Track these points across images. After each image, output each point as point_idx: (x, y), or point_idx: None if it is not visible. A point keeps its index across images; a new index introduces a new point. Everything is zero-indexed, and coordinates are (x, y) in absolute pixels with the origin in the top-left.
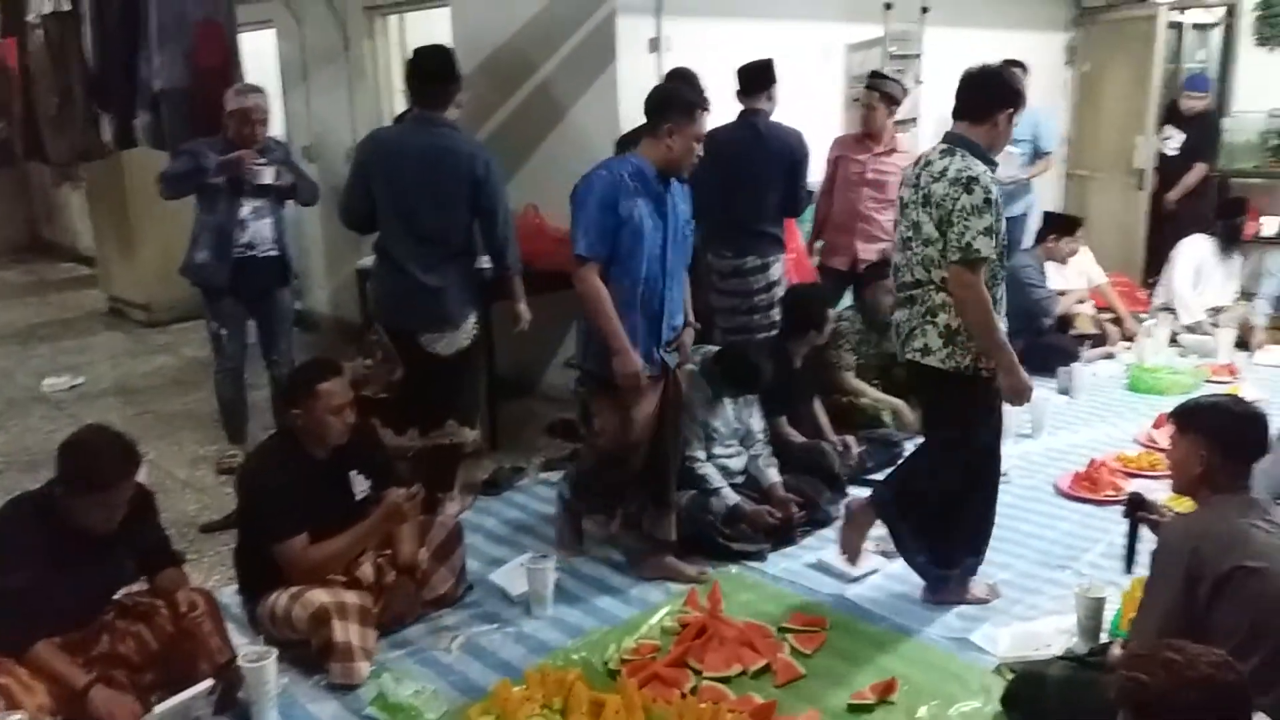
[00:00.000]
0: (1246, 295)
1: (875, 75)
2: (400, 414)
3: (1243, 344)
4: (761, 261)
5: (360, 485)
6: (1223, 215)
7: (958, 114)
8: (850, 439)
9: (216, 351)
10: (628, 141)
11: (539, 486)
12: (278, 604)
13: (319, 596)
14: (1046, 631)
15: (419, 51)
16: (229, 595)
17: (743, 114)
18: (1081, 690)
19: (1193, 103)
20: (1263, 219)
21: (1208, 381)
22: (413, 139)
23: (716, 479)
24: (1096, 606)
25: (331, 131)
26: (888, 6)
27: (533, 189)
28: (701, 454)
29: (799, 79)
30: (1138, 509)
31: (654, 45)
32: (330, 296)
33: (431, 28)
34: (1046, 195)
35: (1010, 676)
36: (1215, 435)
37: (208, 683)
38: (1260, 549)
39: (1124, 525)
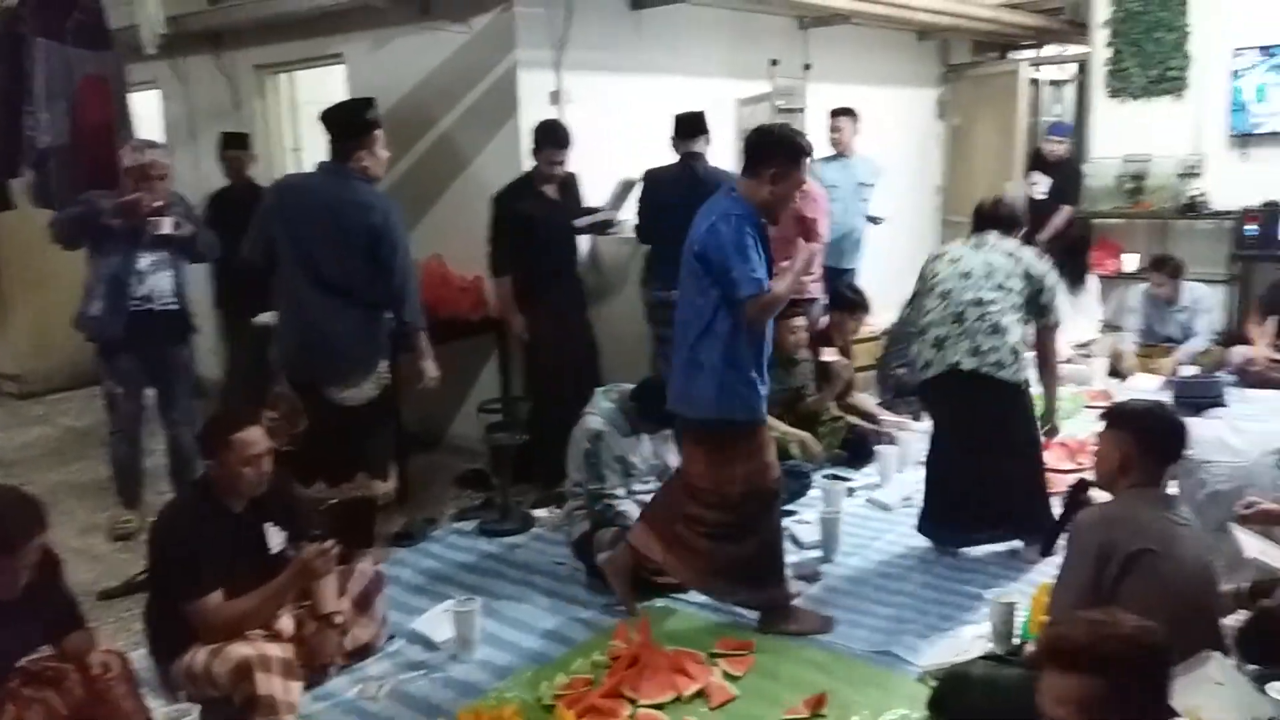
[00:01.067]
0: (1114, 327)
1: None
2: (306, 466)
3: (1115, 372)
4: None
5: (276, 538)
6: (1065, 257)
7: None
8: None
9: (111, 412)
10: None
11: (453, 536)
12: (195, 661)
13: (240, 650)
14: (964, 639)
15: (331, 109)
16: (139, 659)
17: (683, 158)
18: (1003, 686)
19: (1054, 147)
20: (1124, 256)
21: (1086, 406)
22: (318, 187)
23: (635, 515)
24: (1008, 612)
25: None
26: (773, 63)
27: (437, 239)
28: (621, 490)
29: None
30: (1083, 491)
31: (555, 98)
32: (223, 361)
33: (324, 86)
34: (926, 240)
35: (933, 684)
36: (1138, 433)
37: None
38: (1167, 536)
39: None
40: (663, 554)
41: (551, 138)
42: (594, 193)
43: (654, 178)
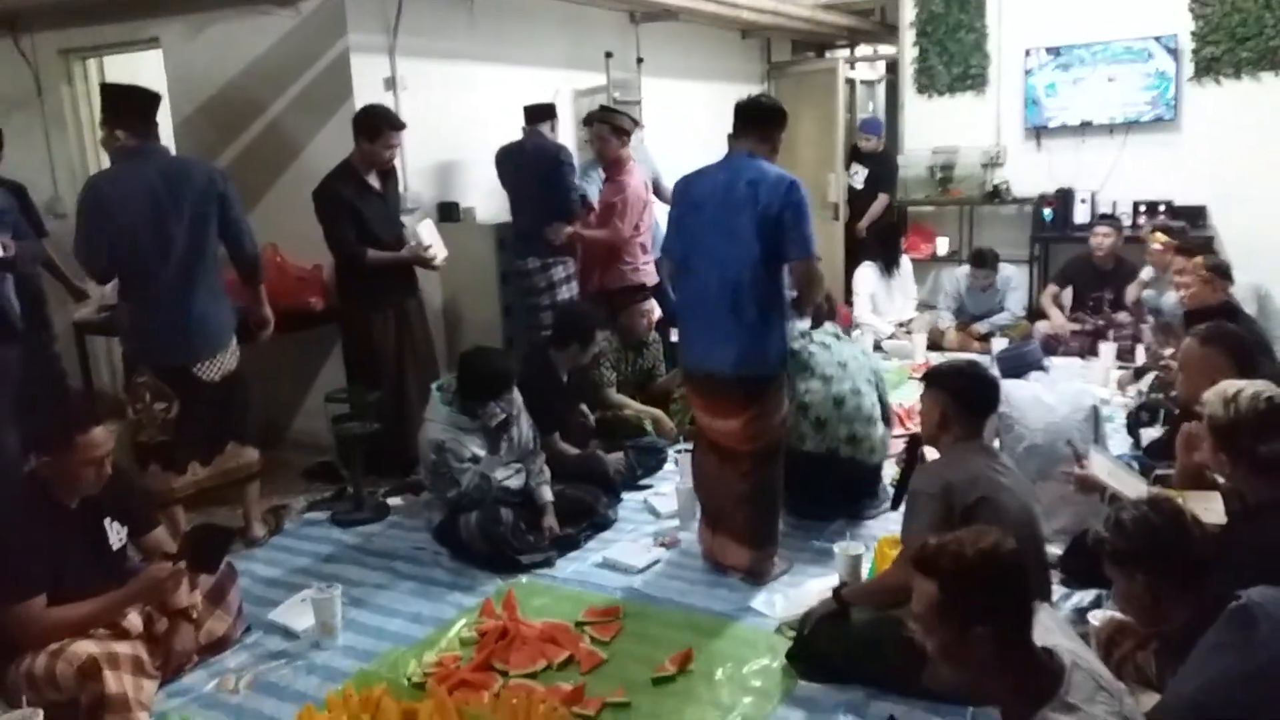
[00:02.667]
0: (929, 306)
1: (604, 109)
2: (178, 453)
3: (934, 345)
4: (540, 263)
5: (116, 534)
6: (881, 242)
7: None
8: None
9: None
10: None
11: (306, 528)
12: (36, 664)
13: (86, 648)
14: (814, 590)
15: (105, 89)
16: None
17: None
18: (848, 631)
19: (867, 143)
20: (937, 240)
21: (910, 378)
22: (142, 171)
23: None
24: (855, 561)
25: (29, 183)
26: (608, 55)
27: (271, 229)
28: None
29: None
30: (916, 447)
31: (390, 84)
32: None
33: (136, 71)
34: None
35: (790, 634)
36: (954, 392)
37: None
38: (995, 485)
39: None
40: (710, 544)
41: (390, 120)
42: (422, 181)
43: (501, 152)
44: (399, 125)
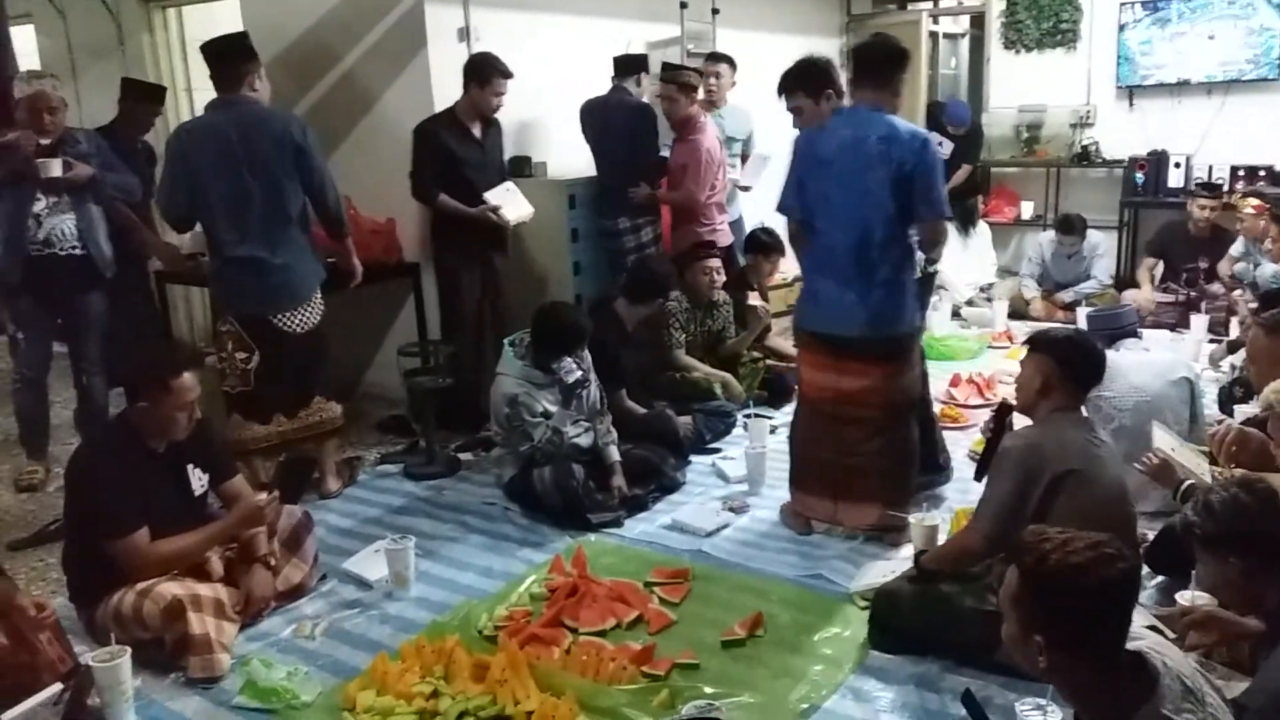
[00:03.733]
0: (1010, 272)
1: (666, 67)
2: (262, 404)
3: (1015, 314)
4: (631, 224)
5: (198, 480)
6: (952, 198)
7: None
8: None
9: (14, 359)
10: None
11: (379, 480)
12: (124, 602)
13: (171, 589)
14: (890, 561)
15: (209, 41)
16: (60, 606)
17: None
18: (930, 600)
19: (955, 130)
20: (1022, 203)
21: (990, 347)
22: (224, 122)
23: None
24: (932, 533)
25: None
26: (683, 5)
27: (345, 181)
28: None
29: (603, 74)
30: (1006, 414)
31: (463, 35)
32: None
33: (215, 21)
34: None
35: (863, 604)
36: (1058, 358)
37: (54, 688)
38: (1089, 456)
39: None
40: (832, 510)
41: (500, 68)
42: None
43: (586, 108)
44: (508, 74)
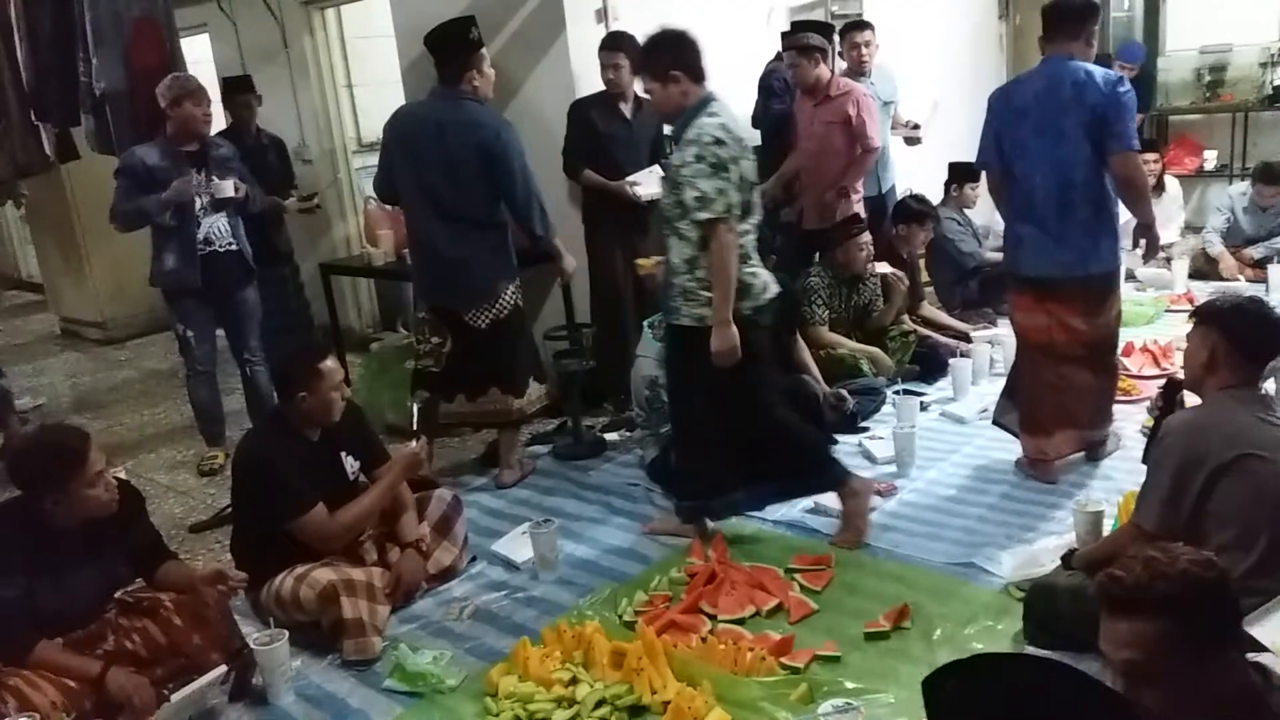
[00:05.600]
0: (1193, 229)
1: (786, 35)
2: (448, 382)
3: (1197, 274)
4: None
5: (351, 465)
6: None
7: None
8: (844, 392)
9: (185, 355)
10: None
11: (528, 461)
12: (283, 587)
13: (325, 575)
14: (1048, 550)
15: (431, 31)
16: None
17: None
18: (1091, 596)
19: (1126, 72)
20: (1204, 152)
21: (1167, 311)
22: (430, 114)
23: None
24: (1095, 520)
25: (279, 131)
26: None
27: None
28: None
29: (745, 43)
30: (1176, 391)
31: (600, 16)
32: None
33: (371, 18)
34: None
35: (1019, 596)
36: (1226, 330)
37: (220, 669)
38: (1265, 440)
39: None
40: (1057, 443)
41: (604, 42)
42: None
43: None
44: (607, 45)
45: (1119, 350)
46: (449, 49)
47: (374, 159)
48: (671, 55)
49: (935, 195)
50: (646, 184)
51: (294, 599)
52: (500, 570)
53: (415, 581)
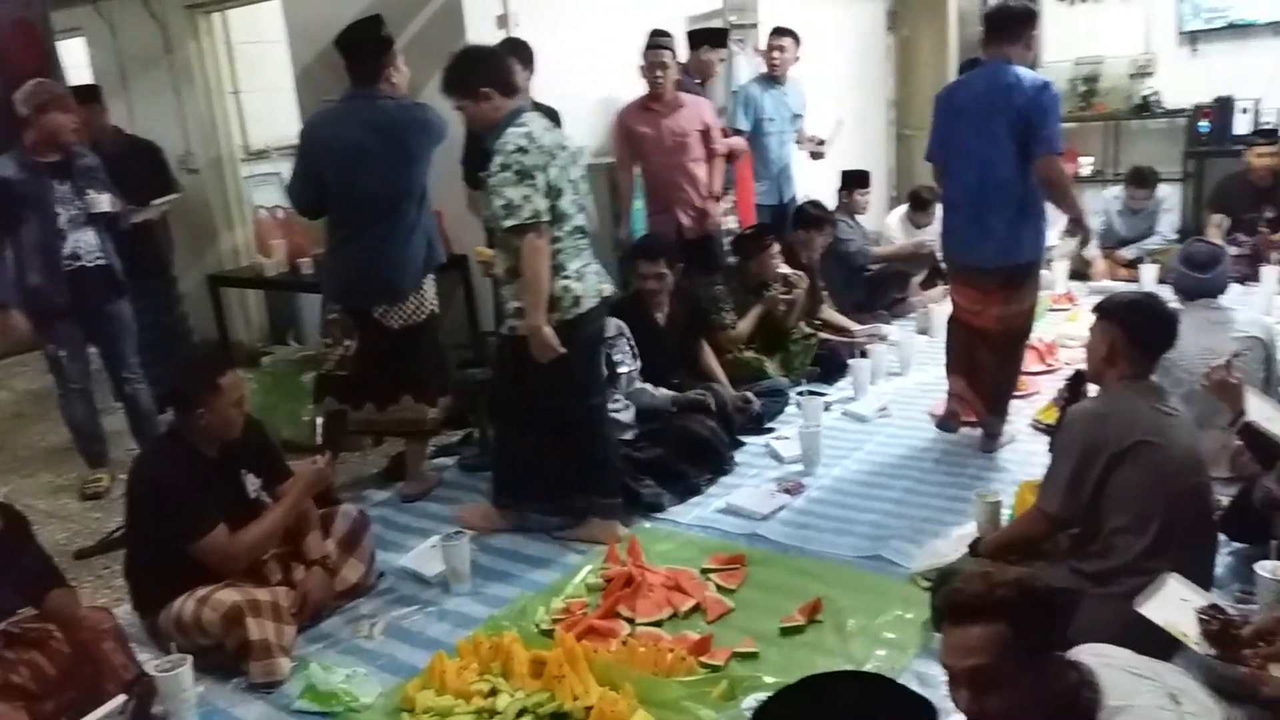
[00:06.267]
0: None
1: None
2: (358, 390)
3: (1077, 275)
4: None
5: (252, 483)
6: None
7: None
8: (749, 394)
9: (56, 375)
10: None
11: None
12: (184, 610)
13: (229, 596)
14: (951, 540)
15: (341, 33)
16: (122, 614)
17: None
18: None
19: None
20: (1080, 159)
21: (1050, 310)
22: (348, 116)
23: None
24: (994, 509)
25: (161, 139)
26: None
27: None
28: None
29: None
30: (1080, 384)
31: (502, 22)
32: None
33: (258, 23)
34: (880, 155)
35: (925, 585)
36: (1124, 324)
37: (118, 700)
38: (1159, 427)
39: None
40: (966, 406)
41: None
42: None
43: None
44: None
45: (1026, 340)
46: (363, 49)
47: (263, 167)
48: (480, 73)
49: (832, 204)
50: None
51: (195, 622)
52: (410, 585)
53: (322, 600)
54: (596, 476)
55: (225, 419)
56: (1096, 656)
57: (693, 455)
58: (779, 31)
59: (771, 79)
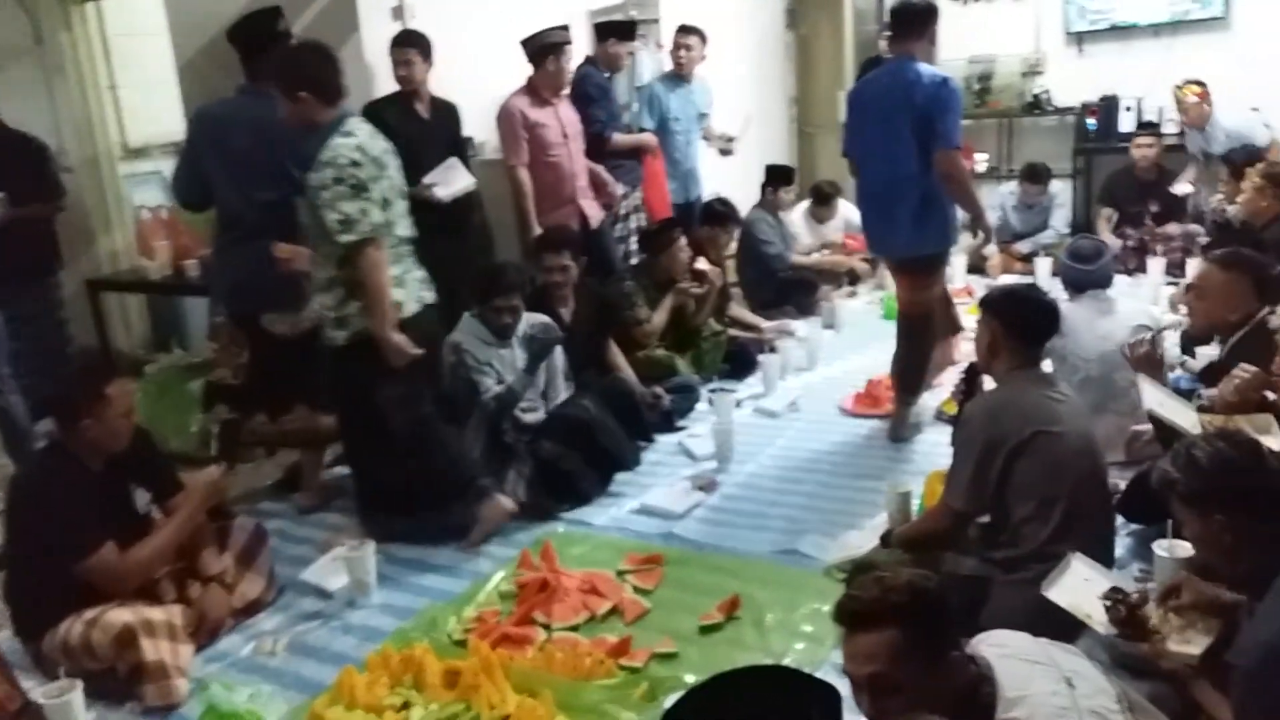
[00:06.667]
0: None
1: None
2: (250, 399)
3: (974, 269)
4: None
5: (142, 498)
6: None
7: None
8: (659, 390)
9: None
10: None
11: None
12: (71, 634)
13: (120, 616)
14: (864, 531)
15: (233, 26)
16: (3, 640)
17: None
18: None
19: (885, 41)
20: (975, 155)
21: None
22: (240, 112)
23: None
24: (904, 500)
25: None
26: None
27: None
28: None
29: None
30: (976, 376)
31: (397, 13)
32: None
33: (134, 14)
34: (783, 153)
35: (840, 577)
36: (1001, 316)
37: None
38: (1054, 415)
39: None
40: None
41: (396, 38)
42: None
43: None
44: (399, 41)
45: (930, 328)
46: (257, 42)
47: (143, 165)
48: (302, 74)
49: (739, 202)
50: (445, 182)
51: (85, 645)
52: (312, 599)
53: (220, 617)
54: (450, 480)
55: (112, 430)
56: (994, 647)
57: (549, 484)
58: (686, 29)
59: (678, 77)
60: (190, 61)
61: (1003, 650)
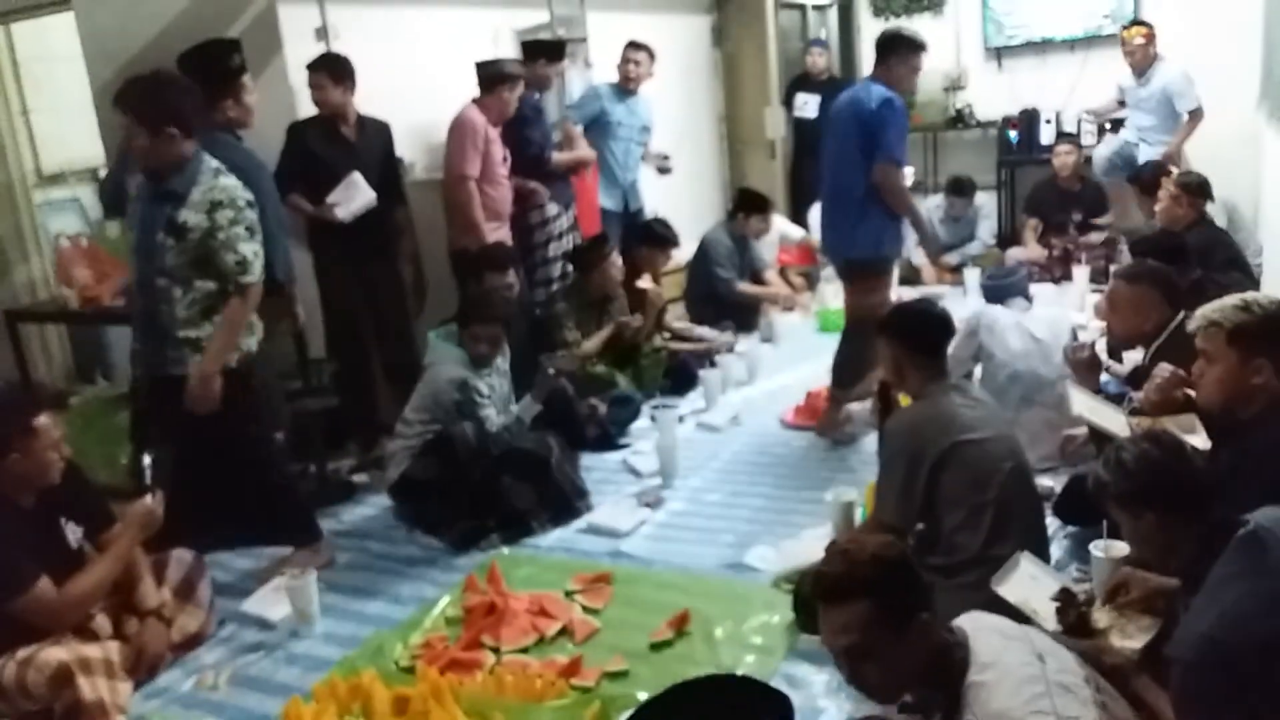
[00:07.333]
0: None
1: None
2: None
3: (905, 280)
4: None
5: (74, 533)
6: None
7: None
8: (594, 401)
9: None
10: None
11: None
12: (5, 673)
13: (56, 654)
14: (809, 541)
15: (190, 50)
16: None
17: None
18: None
19: (816, 59)
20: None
21: None
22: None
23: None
24: (848, 509)
25: None
26: None
27: None
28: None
29: (472, 67)
30: (888, 391)
31: (321, 34)
32: None
33: (46, 38)
34: (714, 170)
35: (787, 588)
36: (894, 334)
37: None
38: (971, 423)
39: None
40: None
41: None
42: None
43: None
44: (314, 66)
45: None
46: (205, 73)
47: (59, 192)
48: (167, 109)
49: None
50: (345, 202)
51: (19, 686)
52: (254, 630)
53: (159, 652)
54: (287, 516)
55: (42, 464)
56: (971, 621)
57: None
58: (635, 45)
59: (625, 90)
60: (107, 86)
61: (979, 624)
